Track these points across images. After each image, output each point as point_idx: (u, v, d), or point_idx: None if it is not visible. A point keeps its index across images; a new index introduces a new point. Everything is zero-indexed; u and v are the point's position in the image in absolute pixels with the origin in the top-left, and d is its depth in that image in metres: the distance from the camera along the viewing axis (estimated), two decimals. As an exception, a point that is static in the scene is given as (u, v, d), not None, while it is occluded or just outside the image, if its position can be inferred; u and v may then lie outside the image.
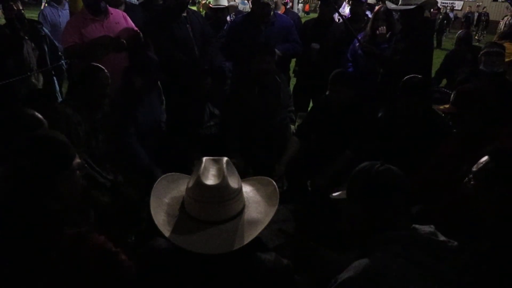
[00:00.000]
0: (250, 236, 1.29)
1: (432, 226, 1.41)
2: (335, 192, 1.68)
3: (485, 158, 1.65)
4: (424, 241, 1.35)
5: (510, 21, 13.30)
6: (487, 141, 2.17)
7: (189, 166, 2.79)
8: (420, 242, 1.35)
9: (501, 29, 13.49)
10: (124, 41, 3.42)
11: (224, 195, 1.28)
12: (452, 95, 2.40)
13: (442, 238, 1.39)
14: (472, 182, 1.67)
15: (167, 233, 1.29)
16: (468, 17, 18.35)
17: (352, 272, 1.33)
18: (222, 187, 1.28)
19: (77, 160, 1.47)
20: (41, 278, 1.31)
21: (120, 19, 3.58)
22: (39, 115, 1.99)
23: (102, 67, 2.79)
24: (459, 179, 2.15)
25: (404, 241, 1.34)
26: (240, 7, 4.69)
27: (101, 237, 1.41)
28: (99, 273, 1.36)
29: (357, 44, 3.79)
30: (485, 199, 1.62)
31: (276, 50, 3.68)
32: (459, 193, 2.10)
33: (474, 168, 1.67)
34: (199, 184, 1.28)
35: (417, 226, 1.41)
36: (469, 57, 3.92)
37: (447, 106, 2.42)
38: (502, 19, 14.98)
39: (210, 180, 1.29)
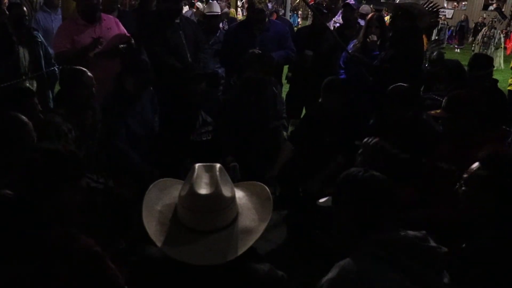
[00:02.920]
0: (244, 246, 1.28)
1: (423, 232, 1.42)
2: (321, 199, 1.70)
3: (476, 164, 1.67)
4: (409, 245, 1.36)
5: (487, 33, 13.43)
6: (478, 144, 2.21)
7: (180, 172, 2.80)
8: (405, 247, 1.36)
9: (479, 40, 13.63)
10: (121, 46, 3.41)
11: (217, 204, 1.27)
12: (444, 101, 2.45)
13: (432, 243, 1.39)
14: (463, 188, 1.69)
15: (159, 243, 1.28)
16: (462, 26, 17.98)
17: (333, 273, 1.34)
18: (215, 196, 1.26)
19: (84, 181, 1.57)
20: (28, 276, 1.32)
21: (112, 24, 3.58)
22: (24, 118, 1.99)
23: (84, 69, 2.76)
24: (451, 182, 2.19)
25: (389, 245, 1.35)
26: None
27: (90, 240, 1.42)
28: (86, 274, 1.36)
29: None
30: (476, 205, 1.65)
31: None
32: (452, 196, 2.13)
33: (466, 174, 1.69)
34: (192, 193, 1.26)
35: (404, 231, 1.42)
36: (443, 73, 3.97)
37: (438, 111, 2.46)
38: (479, 27, 15.18)
39: (203, 189, 1.27)
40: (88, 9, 3.42)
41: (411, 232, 1.41)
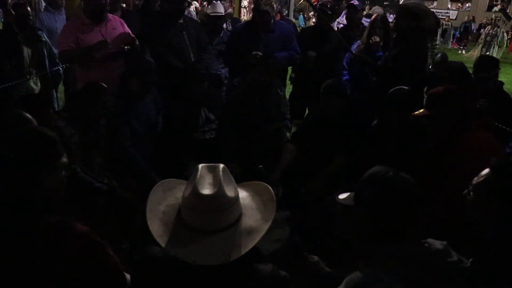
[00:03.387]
0: (247, 246, 1.28)
1: (444, 242, 1.33)
2: (342, 194, 1.59)
3: (487, 171, 1.59)
4: (429, 261, 1.27)
5: (490, 32, 13.33)
6: (462, 133, 2.27)
7: (183, 171, 2.80)
8: (425, 262, 1.27)
9: (482, 40, 13.55)
10: (126, 48, 3.41)
11: (221, 204, 1.27)
12: (425, 99, 2.47)
13: (454, 257, 1.30)
14: (471, 194, 1.61)
15: (163, 244, 1.28)
16: (466, 27, 17.71)
17: (344, 287, 1.28)
18: (218, 196, 1.27)
19: (64, 159, 1.46)
20: (23, 265, 1.30)
21: (117, 25, 3.59)
22: (28, 115, 1.97)
23: (105, 86, 2.78)
24: (439, 183, 2.20)
25: (408, 259, 1.27)
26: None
27: (86, 227, 1.40)
28: (84, 262, 1.35)
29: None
30: (483, 213, 1.57)
31: None
32: (441, 196, 2.12)
33: (475, 181, 1.61)
34: (196, 193, 1.27)
35: (430, 241, 1.33)
36: (446, 75, 4.00)
37: (421, 111, 2.46)
38: (484, 28, 15.07)
39: (207, 189, 1.27)
40: (97, 9, 3.41)
41: (434, 245, 1.31)
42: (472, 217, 1.62)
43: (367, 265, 1.32)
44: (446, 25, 18.40)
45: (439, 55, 4.69)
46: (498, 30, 13.36)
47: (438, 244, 1.33)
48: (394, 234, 1.32)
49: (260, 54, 3.62)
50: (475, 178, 1.60)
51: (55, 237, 1.33)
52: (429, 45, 4.73)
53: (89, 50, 3.31)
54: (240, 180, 1.44)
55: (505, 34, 13.68)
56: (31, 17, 4.25)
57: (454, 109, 2.32)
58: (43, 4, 6.03)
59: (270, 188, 1.45)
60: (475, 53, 12.94)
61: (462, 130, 2.29)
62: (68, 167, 1.52)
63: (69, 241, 1.34)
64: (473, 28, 18.12)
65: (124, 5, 4.36)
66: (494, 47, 12.87)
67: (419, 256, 1.27)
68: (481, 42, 13.52)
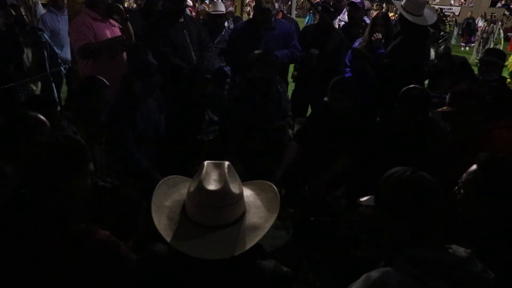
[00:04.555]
0: (251, 241, 1.29)
1: (468, 250, 1.29)
2: (364, 197, 1.59)
3: (474, 167, 1.58)
4: (452, 269, 1.23)
5: (486, 28, 13.21)
6: (488, 131, 2.27)
7: (187, 172, 2.80)
8: (447, 270, 1.22)
9: (479, 36, 13.45)
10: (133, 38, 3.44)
11: (225, 200, 1.29)
12: (447, 97, 2.47)
13: (478, 267, 1.26)
14: (461, 191, 1.61)
15: (168, 238, 1.30)
16: (469, 23, 17.12)
17: (363, 284, 1.26)
18: (223, 192, 1.28)
19: (92, 166, 1.56)
20: (50, 271, 1.36)
21: (114, 22, 3.62)
22: (42, 117, 2.02)
23: (106, 82, 2.78)
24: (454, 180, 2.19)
25: (429, 264, 1.23)
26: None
27: (106, 232, 1.47)
28: (105, 263, 1.42)
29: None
30: (472, 209, 1.57)
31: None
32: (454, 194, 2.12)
33: (463, 178, 1.60)
34: (201, 188, 1.28)
35: (454, 247, 1.29)
36: (448, 69, 4.00)
37: (444, 108, 2.47)
38: (483, 23, 14.97)
39: (212, 185, 1.29)
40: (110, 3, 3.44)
41: (459, 251, 1.27)
42: (464, 214, 1.61)
43: (386, 265, 1.30)
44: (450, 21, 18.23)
45: (442, 47, 4.68)
46: (494, 26, 13.28)
47: (462, 251, 1.28)
48: (415, 237, 1.29)
49: (258, 52, 3.61)
50: (464, 174, 1.59)
51: (79, 243, 1.40)
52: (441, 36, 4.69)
53: (116, 42, 3.36)
54: (243, 178, 1.45)
55: (501, 31, 13.58)
56: (25, 17, 4.25)
57: (477, 107, 2.33)
58: (40, 5, 6.04)
59: (274, 186, 1.47)
60: (474, 51, 12.90)
61: (485, 129, 2.29)
62: (92, 173, 1.60)
63: (91, 246, 1.41)
64: (478, 25, 17.80)
65: (134, 6, 4.35)
66: (490, 44, 12.78)
67: (442, 263, 1.24)
68: (478, 39, 13.46)
